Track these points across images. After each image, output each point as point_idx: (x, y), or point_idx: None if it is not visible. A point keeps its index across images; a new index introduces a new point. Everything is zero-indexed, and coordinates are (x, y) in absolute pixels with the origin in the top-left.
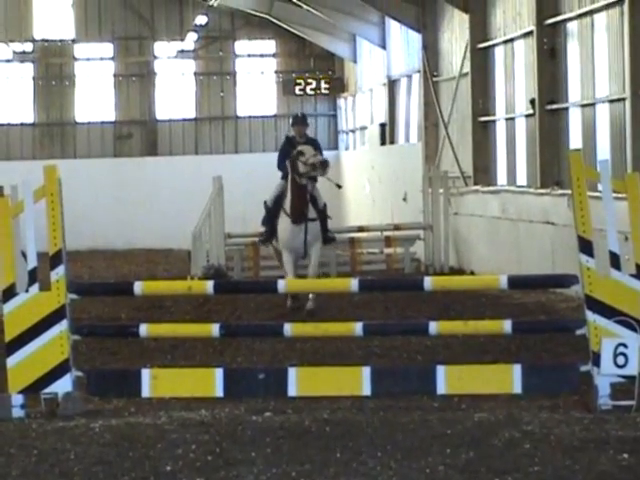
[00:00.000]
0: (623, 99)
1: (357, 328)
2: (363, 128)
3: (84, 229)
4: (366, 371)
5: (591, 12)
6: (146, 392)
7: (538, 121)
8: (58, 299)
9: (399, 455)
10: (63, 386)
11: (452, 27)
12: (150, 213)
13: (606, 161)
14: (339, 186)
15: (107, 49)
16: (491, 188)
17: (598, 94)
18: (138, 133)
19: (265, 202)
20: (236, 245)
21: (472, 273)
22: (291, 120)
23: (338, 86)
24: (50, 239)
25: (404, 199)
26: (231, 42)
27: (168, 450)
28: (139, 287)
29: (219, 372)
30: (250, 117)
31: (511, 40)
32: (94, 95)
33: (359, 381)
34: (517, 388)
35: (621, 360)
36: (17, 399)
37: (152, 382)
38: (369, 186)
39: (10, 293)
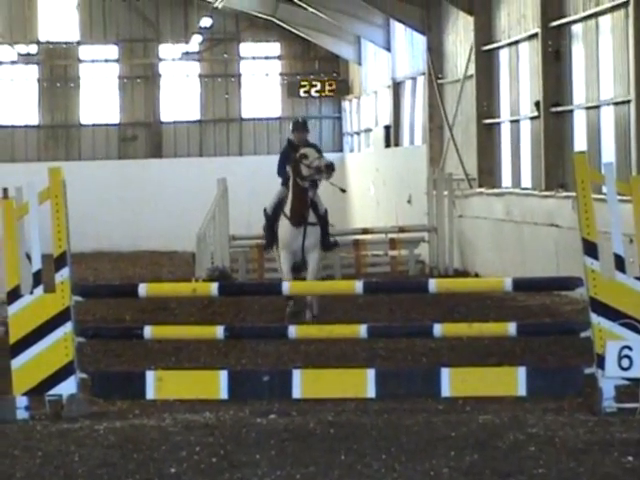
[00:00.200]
0: (628, 101)
1: (361, 330)
2: (368, 130)
3: (89, 231)
4: (370, 373)
5: (596, 14)
6: (150, 394)
7: (543, 123)
8: (63, 301)
9: (403, 457)
10: (67, 388)
11: (457, 29)
12: (155, 215)
13: (611, 164)
14: (343, 190)
15: (112, 51)
16: (496, 190)
17: (603, 96)
18: (143, 135)
19: (265, 209)
20: (241, 247)
21: (477, 275)
22: (291, 126)
23: (343, 88)
24: (55, 241)
25: (409, 201)
26: (236, 44)
27: (172, 452)
28: (144, 289)
29: (223, 374)
30: (254, 119)
31: (516, 42)
32: (99, 97)
33: (363, 383)
34: (522, 391)
35: (626, 363)
36: (21, 401)
37: (156, 384)
38: (374, 188)
39: (15, 295)
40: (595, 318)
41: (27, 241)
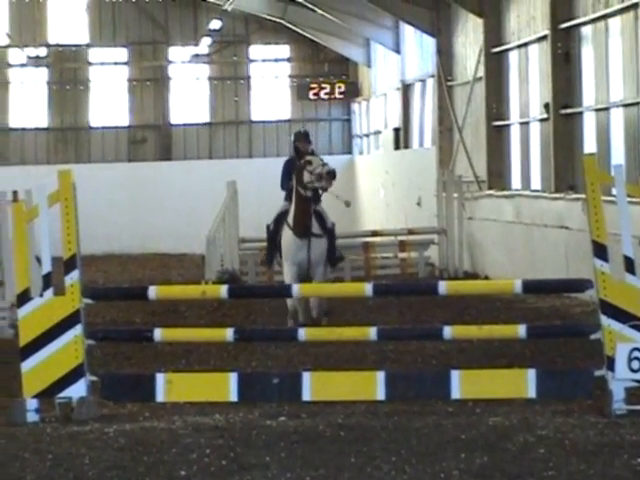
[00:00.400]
0: (637, 103)
1: (371, 333)
2: (377, 133)
3: (98, 233)
4: (380, 376)
5: (605, 16)
6: (160, 397)
7: (552, 125)
8: (72, 304)
9: (413, 460)
10: (77, 391)
11: (466, 31)
12: (164, 217)
13: (620, 165)
14: (348, 204)
15: (121, 54)
16: (505, 192)
17: (612, 98)
18: (152, 138)
19: (267, 225)
20: (250, 250)
21: (486, 277)
22: (293, 137)
23: (352, 91)
24: (64, 244)
25: (418, 203)
26: (245, 47)
27: (182, 455)
28: (153, 292)
29: (233, 377)
30: (264, 122)
31: (525, 44)
32: (108, 100)
33: (373, 386)
34: (531, 393)
35: (636, 365)
36: (31, 404)
37: (166, 387)
38: (383, 191)
39: (25, 298)
40: (605, 320)
41: (37, 244)
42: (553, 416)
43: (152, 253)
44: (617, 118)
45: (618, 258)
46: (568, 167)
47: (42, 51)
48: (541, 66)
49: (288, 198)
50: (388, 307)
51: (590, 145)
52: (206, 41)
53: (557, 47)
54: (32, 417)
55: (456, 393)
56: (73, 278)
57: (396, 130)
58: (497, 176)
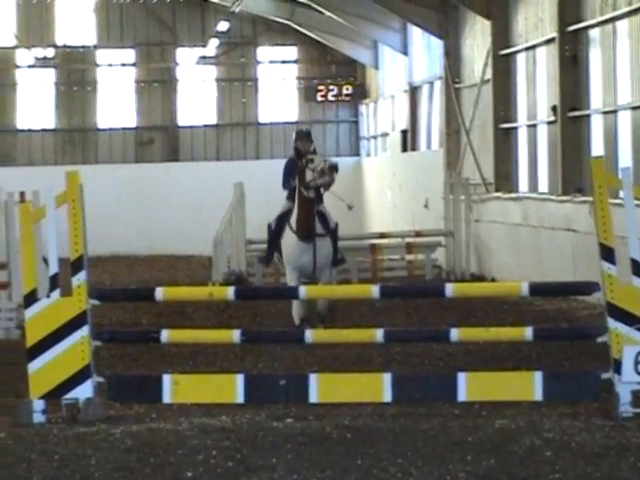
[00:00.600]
0: None
1: (378, 335)
2: (384, 135)
3: (106, 235)
4: (387, 378)
5: (613, 19)
6: (167, 398)
7: (560, 128)
8: (79, 305)
9: (420, 462)
10: (84, 392)
11: (474, 34)
12: (171, 219)
13: (628, 168)
14: (350, 207)
15: (129, 55)
16: (512, 195)
17: (620, 101)
18: (160, 139)
19: (269, 224)
20: (257, 251)
21: (493, 280)
22: (294, 135)
23: (359, 92)
24: (72, 245)
25: (425, 206)
26: (253, 48)
27: (189, 456)
28: (160, 293)
29: (240, 378)
30: (271, 123)
31: (533, 47)
32: (116, 101)
33: (380, 388)
34: (538, 395)
35: None
36: (38, 404)
37: (173, 388)
38: (390, 192)
39: (32, 299)
40: (612, 323)
41: (44, 245)
42: (560, 419)
43: (159, 254)
44: (625, 121)
45: (625, 261)
46: (575, 170)
47: (50, 52)
48: (549, 69)
49: (290, 197)
50: (395, 309)
51: (598, 148)
52: (214, 43)
53: (565, 50)
54: (39, 418)
55: (463, 395)
56: (80, 279)
57: (403, 132)
58: (504, 178)
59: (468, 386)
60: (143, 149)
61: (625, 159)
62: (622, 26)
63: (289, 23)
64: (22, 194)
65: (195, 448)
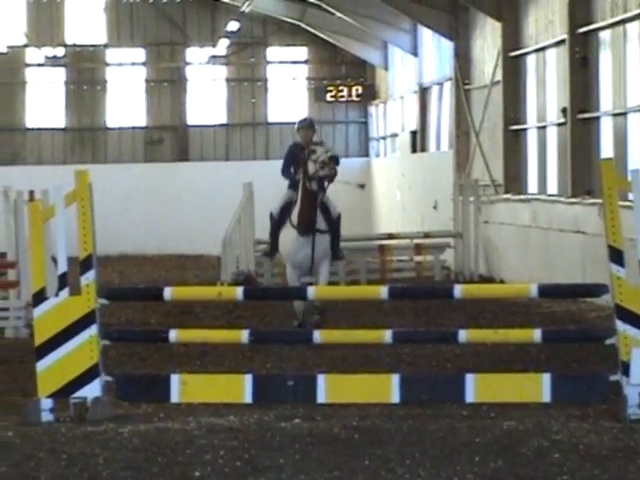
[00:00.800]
0: None
1: (386, 336)
2: (394, 135)
3: (114, 234)
4: (395, 379)
5: (623, 21)
6: (175, 397)
7: (569, 130)
8: (88, 304)
9: (427, 463)
10: (92, 391)
11: (484, 35)
12: (180, 218)
13: (637, 170)
14: (362, 186)
15: (139, 54)
16: (522, 197)
17: (630, 103)
18: (169, 138)
19: (271, 213)
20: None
21: (502, 281)
22: (296, 124)
23: (369, 93)
24: (81, 244)
25: (434, 207)
26: (263, 48)
27: (197, 456)
28: (169, 293)
29: (248, 378)
30: (281, 124)
31: (543, 49)
32: (125, 100)
33: (388, 388)
34: (546, 397)
35: None
36: (46, 403)
37: (181, 387)
38: (399, 194)
39: (40, 297)
40: (620, 325)
41: (53, 244)
42: (568, 421)
43: (168, 254)
44: (634, 123)
45: (634, 263)
46: (585, 172)
47: (60, 51)
48: (559, 70)
49: (292, 186)
50: (403, 310)
51: (607, 150)
52: (224, 42)
53: (575, 51)
54: (47, 417)
55: (471, 397)
56: (89, 278)
57: (413, 133)
58: (514, 180)
59: (476, 387)
60: (152, 148)
61: (635, 161)
62: (632, 28)
63: (299, 23)
64: (31, 193)
65: (203, 448)
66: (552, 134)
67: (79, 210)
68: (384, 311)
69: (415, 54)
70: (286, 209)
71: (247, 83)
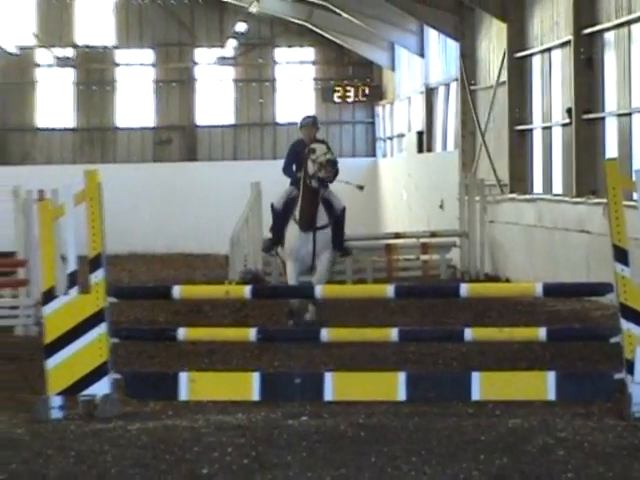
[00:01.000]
0: None
1: (393, 334)
2: (401, 136)
3: (123, 233)
4: (401, 377)
5: (628, 22)
6: (183, 395)
7: (574, 130)
8: (97, 302)
9: (433, 461)
10: (101, 388)
11: (490, 36)
12: (189, 218)
13: None
14: (361, 187)
15: (147, 55)
16: (527, 196)
17: (634, 104)
18: (177, 138)
19: (272, 204)
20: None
21: (507, 280)
22: (300, 122)
23: (376, 94)
24: (90, 243)
25: (441, 206)
26: (270, 49)
27: (204, 453)
28: (177, 291)
29: (256, 376)
30: (289, 124)
31: (548, 49)
32: (134, 100)
33: (394, 386)
34: (551, 395)
35: None
36: (56, 401)
37: (190, 385)
38: (406, 193)
39: (50, 296)
40: (625, 324)
41: (63, 242)
42: (572, 418)
43: (177, 253)
44: (639, 123)
45: (639, 262)
46: (590, 172)
47: (69, 52)
48: (564, 71)
49: (294, 183)
50: (410, 309)
51: (612, 150)
52: (232, 43)
53: (580, 52)
54: (56, 414)
55: (476, 394)
56: (98, 277)
57: (419, 133)
58: (519, 180)
59: (482, 385)
60: (161, 148)
61: (639, 161)
62: (637, 29)
63: (307, 24)
64: (41, 192)
65: (211, 445)
66: (557, 134)
67: (88, 209)
68: (390, 310)
69: (421, 55)
70: (289, 205)
71: (255, 83)
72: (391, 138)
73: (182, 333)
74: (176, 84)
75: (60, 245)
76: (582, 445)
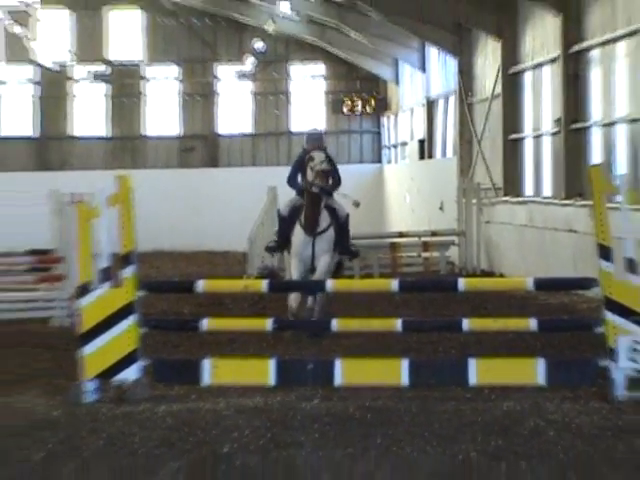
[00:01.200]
0: None
1: (397, 324)
2: (404, 144)
3: (151, 233)
4: (405, 363)
5: (612, 40)
6: (206, 380)
7: (563, 139)
8: (128, 295)
9: (434, 442)
10: (131, 374)
11: (485, 53)
12: (211, 219)
13: (624, 175)
14: (357, 204)
15: (174, 71)
16: (519, 199)
17: (617, 114)
18: (201, 146)
19: (278, 210)
20: None
21: (501, 275)
22: (305, 137)
23: (382, 105)
24: (122, 241)
25: (440, 208)
26: (285, 65)
27: (225, 434)
28: (200, 285)
29: (272, 362)
30: (302, 133)
31: (539, 65)
32: (162, 112)
33: (398, 372)
34: (542, 380)
35: (636, 355)
36: (90, 385)
37: (212, 371)
38: (409, 196)
39: (86, 289)
40: (609, 315)
41: (97, 241)
42: (561, 402)
43: (200, 251)
44: (621, 132)
45: (621, 260)
46: (576, 176)
47: (102, 67)
48: (553, 85)
49: (300, 193)
50: (412, 302)
51: (597, 157)
52: (250, 60)
53: (568, 68)
54: (90, 398)
55: (473, 380)
56: (129, 272)
57: (421, 142)
58: (512, 184)
59: (478, 372)
60: (186, 155)
61: (622, 167)
62: (620, 47)
63: (318, 43)
64: (75, 195)
65: (230, 426)
66: (547, 142)
67: (120, 211)
68: (395, 302)
69: (423, 70)
70: (294, 212)
71: (271, 96)
72: (395, 146)
73: (204, 324)
74: (199, 97)
75: (95, 243)
76: (570, 427)
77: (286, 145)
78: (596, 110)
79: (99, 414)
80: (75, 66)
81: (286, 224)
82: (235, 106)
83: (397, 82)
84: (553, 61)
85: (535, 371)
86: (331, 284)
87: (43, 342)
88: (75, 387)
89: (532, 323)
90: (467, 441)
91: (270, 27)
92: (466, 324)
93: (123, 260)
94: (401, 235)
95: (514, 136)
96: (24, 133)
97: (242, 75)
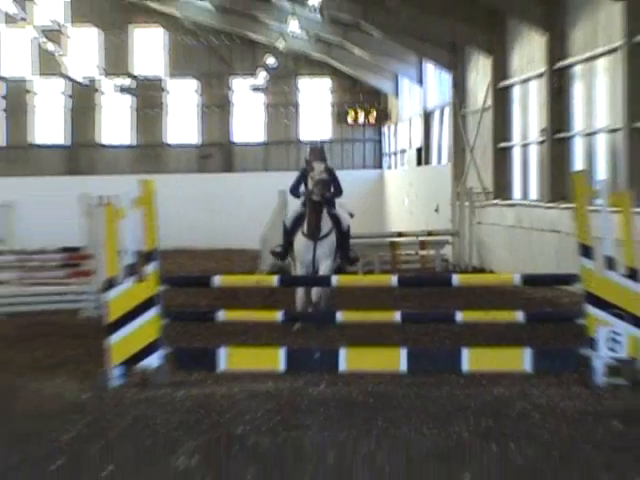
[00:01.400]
0: (619, 129)
1: (396, 316)
2: (403, 151)
3: (173, 232)
4: (403, 352)
5: (593, 57)
6: (222, 367)
7: (548, 147)
8: (151, 289)
9: (430, 424)
10: (154, 361)
11: (477, 68)
12: (227, 219)
13: (604, 180)
14: (351, 215)
15: (193, 84)
16: (508, 202)
17: (597, 125)
18: (217, 153)
19: (284, 222)
20: None
21: (492, 272)
22: (308, 150)
23: (383, 116)
24: (146, 240)
25: (436, 210)
26: (294, 79)
27: (239, 416)
28: (217, 280)
29: (282, 351)
30: (309, 142)
31: (526, 80)
32: (182, 122)
33: (397, 360)
34: (528, 368)
35: (614, 345)
36: (116, 371)
37: (227, 358)
38: (407, 199)
39: (112, 283)
40: (589, 308)
41: (123, 239)
42: (546, 388)
43: (217, 248)
44: (601, 142)
45: (600, 258)
46: (561, 181)
47: (127, 81)
48: (539, 98)
49: (303, 204)
50: (410, 296)
51: (579, 163)
52: (263, 74)
53: (553, 82)
54: (116, 383)
55: (466, 367)
56: (152, 268)
57: (418, 150)
58: (501, 188)
59: (470, 359)
60: (204, 162)
61: (601, 172)
62: (601, 63)
63: (325, 59)
64: (101, 198)
65: (244, 409)
66: (533, 151)
67: (144, 212)
68: (394, 296)
69: (420, 84)
70: (297, 221)
71: (282, 108)
72: (395, 153)
73: (220, 315)
74: (216, 108)
75: (121, 241)
76: (555, 411)
77: (295, 152)
78: (578, 121)
79: (124, 398)
80: (103, 80)
81: (289, 235)
82: (249, 116)
83: (397, 95)
84: (539, 76)
85: (522, 359)
86: (336, 279)
87: (72, 332)
88: (102, 373)
89: (519, 315)
90: (460, 423)
91: (281, 44)
92: (459, 316)
93: (147, 257)
94: (400, 235)
95: (503, 145)
96: (56, 141)
97: (255, 88)
